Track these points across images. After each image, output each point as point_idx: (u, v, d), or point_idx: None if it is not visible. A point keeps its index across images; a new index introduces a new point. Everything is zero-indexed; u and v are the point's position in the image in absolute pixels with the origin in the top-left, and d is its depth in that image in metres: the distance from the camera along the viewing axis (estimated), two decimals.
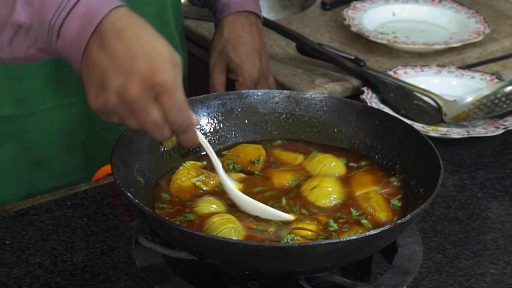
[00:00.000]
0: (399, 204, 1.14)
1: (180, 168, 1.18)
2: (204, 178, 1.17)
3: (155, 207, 1.13)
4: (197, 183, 1.16)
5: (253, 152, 1.22)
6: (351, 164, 1.22)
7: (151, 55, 0.98)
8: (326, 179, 1.16)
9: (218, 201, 1.13)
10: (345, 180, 1.18)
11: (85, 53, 1.01)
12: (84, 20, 1.00)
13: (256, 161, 1.21)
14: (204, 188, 1.16)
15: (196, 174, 1.17)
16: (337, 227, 1.09)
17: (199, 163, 1.20)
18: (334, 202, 1.14)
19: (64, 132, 1.43)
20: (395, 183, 1.18)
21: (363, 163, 1.21)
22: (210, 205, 1.12)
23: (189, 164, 1.19)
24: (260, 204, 1.10)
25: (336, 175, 1.19)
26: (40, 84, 1.37)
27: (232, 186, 1.12)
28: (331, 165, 1.19)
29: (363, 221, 1.11)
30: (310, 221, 1.09)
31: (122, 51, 0.99)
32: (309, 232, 1.07)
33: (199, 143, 1.08)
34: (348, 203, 1.14)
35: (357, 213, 1.12)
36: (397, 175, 1.19)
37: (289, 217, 1.10)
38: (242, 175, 1.19)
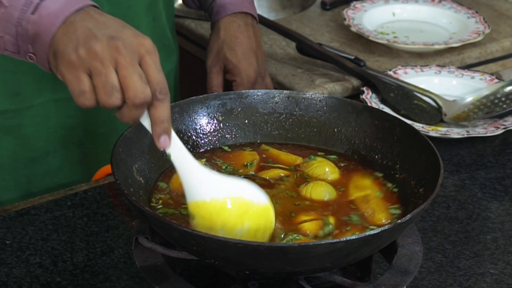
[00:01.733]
0: (398, 212, 1.14)
1: None
2: None
3: (152, 198, 1.13)
4: None
5: (247, 157, 1.22)
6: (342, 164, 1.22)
7: (135, 31, 1.03)
8: (320, 182, 1.17)
9: None
10: (341, 184, 1.18)
11: (64, 24, 1.03)
12: (69, 0, 1.04)
13: (249, 164, 1.21)
14: None
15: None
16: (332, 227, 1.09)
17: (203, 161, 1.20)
18: (327, 196, 1.14)
19: (60, 127, 1.42)
20: (392, 189, 1.18)
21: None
22: None
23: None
24: (240, 179, 1.09)
25: (330, 178, 1.19)
26: (35, 77, 1.37)
27: (198, 165, 1.08)
28: (325, 170, 1.19)
29: (364, 223, 1.11)
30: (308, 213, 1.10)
31: (110, 21, 1.03)
32: (311, 225, 1.08)
33: (170, 128, 1.05)
34: (346, 204, 1.14)
35: (356, 215, 1.12)
36: (397, 175, 1.19)
37: (268, 201, 1.07)
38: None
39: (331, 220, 1.10)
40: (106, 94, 1.00)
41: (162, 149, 1.05)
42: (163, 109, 1.02)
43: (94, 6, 1.06)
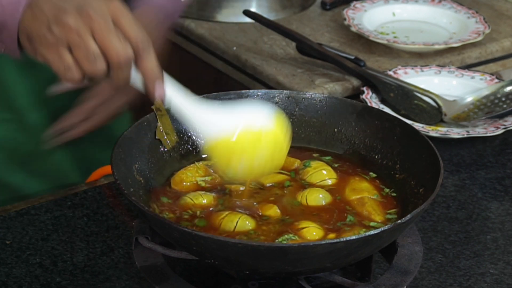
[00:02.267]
0: (395, 217, 1.14)
1: (191, 165, 1.19)
2: (208, 179, 1.17)
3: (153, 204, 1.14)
4: (199, 182, 1.17)
5: None
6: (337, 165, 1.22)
7: None
8: (316, 188, 1.17)
9: (209, 195, 1.14)
10: (339, 188, 1.18)
11: (29, 6, 1.02)
12: None
13: None
14: (204, 185, 1.16)
15: (203, 174, 1.18)
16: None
17: (208, 165, 1.20)
18: (323, 201, 1.14)
19: (4, 149, 1.41)
20: (391, 194, 1.18)
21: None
22: (198, 198, 1.13)
23: (200, 164, 1.19)
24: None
25: (329, 183, 1.19)
26: None
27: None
28: (322, 176, 1.19)
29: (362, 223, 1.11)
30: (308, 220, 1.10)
31: None
32: (314, 233, 1.08)
33: (161, 75, 1.05)
34: (342, 206, 1.14)
35: (352, 217, 1.12)
36: (397, 175, 1.19)
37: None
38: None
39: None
40: (90, 63, 1.00)
41: (158, 98, 1.04)
42: (149, 60, 1.02)
43: None
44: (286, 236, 1.07)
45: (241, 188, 1.15)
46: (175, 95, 1.07)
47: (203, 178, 1.18)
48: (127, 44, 1.00)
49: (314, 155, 1.24)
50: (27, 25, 1.03)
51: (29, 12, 1.03)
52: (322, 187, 1.17)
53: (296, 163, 1.22)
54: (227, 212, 1.10)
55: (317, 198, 1.14)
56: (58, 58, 1.01)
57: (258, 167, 1.09)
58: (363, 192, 1.16)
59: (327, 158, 1.23)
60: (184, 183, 1.17)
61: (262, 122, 1.08)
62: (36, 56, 1.04)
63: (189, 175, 1.18)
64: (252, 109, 1.10)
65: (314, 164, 1.20)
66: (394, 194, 1.17)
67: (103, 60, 1.00)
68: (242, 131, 1.08)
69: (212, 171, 1.20)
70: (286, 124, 1.10)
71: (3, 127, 1.40)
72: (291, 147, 1.25)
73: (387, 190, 1.18)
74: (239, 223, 1.08)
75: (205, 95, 1.25)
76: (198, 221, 1.10)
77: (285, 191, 1.16)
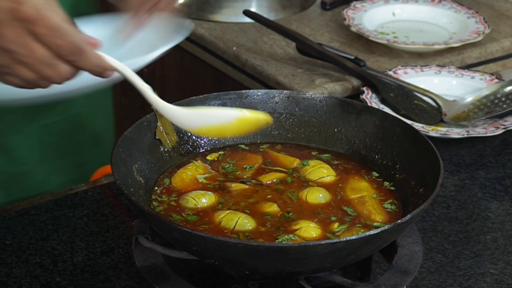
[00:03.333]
0: (393, 207, 1.14)
1: (190, 164, 1.19)
2: (209, 176, 1.18)
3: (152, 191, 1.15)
4: (200, 180, 1.17)
5: (249, 161, 1.22)
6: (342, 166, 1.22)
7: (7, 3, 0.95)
8: (315, 187, 1.17)
9: (210, 195, 1.14)
10: (338, 186, 1.18)
11: None
12: None
13: (248, 167, 1.21)
14: (205, 183, 1.17)
15: (202, 172, 1.18)
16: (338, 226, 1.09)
17: (208, 166, 1.21)
18: (323, 200, 1.14)
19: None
20: (389, 187, 1.18)
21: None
22: (198, 198, 1.13)
23: (199, 162, 1.19)
24: (204, 109, 1.12)
25: (328, 180, 1.19)
26: None
27: (168, 105, 1.09)
28: (320, 174, 1.19)
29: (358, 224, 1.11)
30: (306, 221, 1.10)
31: None
32: (314, 234, 1.08)
33: (112, 66, 1.02)
34: (342, 206, 1.14)
35: (353, 216, 1.12)
36: (397, 175, 1.19)
37: (240, 113, 1.11)
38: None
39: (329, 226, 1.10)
40: (37, 85, 0.99)
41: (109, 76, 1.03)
42: (84, 64, 0.99)
43: None
44: (286, 236, 1.07)
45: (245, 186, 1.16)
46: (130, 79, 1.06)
47: (203, 176, 1.18)
48: (58, 61, 0.97)
49: (313, 153, 1.24)
50: None
51: None
52: (321, 183, 1.18)
53: (296, 162, 1.22)
54: (227, 212, 1.10)
55: (317, 197, 1.14)
56: (9, 82, 0.99)
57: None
58: (362, 192, 1.16)
59: (326, 155, 1.24)
60: (185, 181, 1.17)
61: (226, 118, 1.11)
62: None
63: (189, 174, 1.18)
64: (214, 112, 1.13)
65: (313, 162, 1.21)
66: (392, 188, 1.17)
67: (43, 81, 0.98)
68: (202, 128, 1.11)
69: (210, 168, 1.20)
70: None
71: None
72: (291, 144, 1.26)
73: (386, 183, 1.18)
74: (239, 222, 1.08)
75: (205, 95, 1.25)
76: (190, 217, 1.11)
77: (285, 189, 1.16)
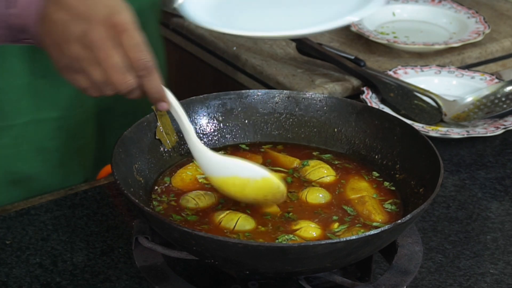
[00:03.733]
0: (393, 207, 1.14)
1: (191, 164, 1.20)
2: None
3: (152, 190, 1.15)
4: (200, 179, 1.17)
5: (251, 160, 1.22)
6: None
7: (108, 2, 1.03)
8: (315, 187, 1.17)
9: (210, 195, 1.14)
10: (337, 186, 1.18)
11: (43, 16, 1.04)
12: None
13: None
14: (205, 183, 1.17)
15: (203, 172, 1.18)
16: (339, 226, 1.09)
17: None
18: (323, 200, 1.14)
19: (41, 150, 1.40)
20: (390, 187, 1.18)
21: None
22: (199, 199, 1.13)
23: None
24: (237, 160, 1.13)
25: (327, 181, 1.19)
26: (14, 95, 1.35)
27: (205, 149, 1.12)
28: (320, 174, 1.19)
29: (357, 223, 1.11)
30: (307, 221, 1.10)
31: (79, 3, 1.03)
32: (314, 234, 1.08)
33: (168, 99, 1.09)
34: (342, 205, 1.14)
35: (352, 216, 1.12)
36: (397, 175, 1.19)
37: (268, 174, 1.11)
38: None
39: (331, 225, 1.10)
40: (100, 90, 1.05)
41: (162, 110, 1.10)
42: (150, 83, 1.06)
43: None
44: (286, 236, 1.07)
45: None
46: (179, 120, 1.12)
47: (203, 176, 1.18)
48: (129, 73, 1.03)
49: (314, 153, 1.24)
50: (42, 39, 1.06)
51: (42, 29, 1.06)
52: (322, 183, 1.18)
53: (296, 162, 1.22)
54: (227, 212, 1.10)
55: (317, 197, 1.14)
56: (73, 80, 1.06)
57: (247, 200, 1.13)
58: (362, 192, 1.16)
59: (327, 156, 1.24)
60: (185, 181, 1.17)
61: (250, 173, 1.12)
62: (38, 41, 1.07)
63: (189, 174, 1.18)
64: (243, 163, 1.13)
65: (312, 163, 1.21)
66: (392, 188, 1.17)
67: (110, 86, 1.04)
68: (227, 177, 1.12)
69: None
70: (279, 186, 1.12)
71: (46, 126, 1.40)
72: (291, 145, 1.26)
73: (386, 183, 1.18)
74: (239, 222, 1.08)
75: (205, 95, 1.25)
76: (190, 217, 1.11)
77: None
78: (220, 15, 1.47)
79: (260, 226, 1.09)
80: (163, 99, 1.09)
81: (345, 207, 1.14)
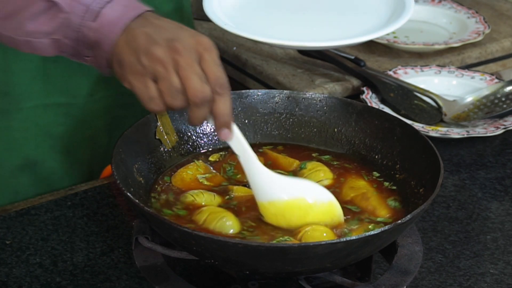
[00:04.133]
0: (396, 204, 1.14)
1: (191, 163, 1.20)
2: (209, 176, 1.17)
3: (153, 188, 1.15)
4: (200, 179, 1.17)
5: None
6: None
7: (192, 31, 1.07)
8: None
9: (211, 194, 1.14)
10: (335, 186, 1.18)
11: (125, 32, 1.07)
12: (127, 7, 1.08)
13: None
14: (205, 183, 1.16)
15: (203, 172, 1.18)
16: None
17: (209, 166, 1.20)
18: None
19: (49, 135, 1.40)
20: (390, 187, 1.18)
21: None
22: (198, 196, 1.13)
23: (200, 162, 1.20)
24: (304, 180, 1.12)
25: (326, 183, 1.19)
26: (25, 78, 1.35)
27: (270, 171, 1.11)
28: (320, 174, 1.19)
29: (365, 219, 1.11)
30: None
31: (167, 24, 1.07)
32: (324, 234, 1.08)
33: (231, 121, 1.07)
34: (344, 205, 1.14)
35: (357, 211, 1.12)
36: (397, 175, 1.19)
37: (333, 198, 1.10)
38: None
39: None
40: (172, 97, 1.04)
41: (224, 140, 1.08)
42: (223, 103, 1.05)
43: (151, 11, 1.10)
44: (281, 238, 1.07)
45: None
46: (240, 146, 1.10)
47: (204, 176, 1.18)
48: (205, 85, 1.04)
49: (313, 154, 1.24)
50: (120, 52, 1.07)
51: (124, 39, 1.07)
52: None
53: (295, 163, 1.22)
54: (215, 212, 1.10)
55: (321, 235, 1.12)
56: (144, 88, 1.05)
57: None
58: (361, 190, 1.16)
59: (326, 157, 1.24)
60: (185, 181, 1.17)
61: (317, 196, 1.10)
62: (123, 82, 1.08)
63: (189, 173, 1.18)
64: (309, 184, 1.12)
65: (310, 165, 1.20)
66: (394, 187, 1.17)
67: (183, 96, 1.04)
68: (295, 199, 1.10)
69: (212, 168, 1.20)
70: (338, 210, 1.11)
71: (54, 111, 1.40)
72: (291, 145, 1.26)
73: (386, 183, 1.18)
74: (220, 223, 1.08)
75: None
76: (180, 211, 1.12)
77: None
78: (238, 17, 1.49)
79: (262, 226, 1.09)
80: (228, 126, 1.07)
81: (348, 206, 1.14)
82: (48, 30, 1.10)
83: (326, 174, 1.19)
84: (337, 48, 1.69)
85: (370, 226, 1.09)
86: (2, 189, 1.40)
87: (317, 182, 1.18)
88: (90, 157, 1.44)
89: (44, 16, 1.10)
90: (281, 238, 1.06)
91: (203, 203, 1.13)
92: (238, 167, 1.20)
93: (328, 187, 1.17)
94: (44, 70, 1.36)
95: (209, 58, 1.05)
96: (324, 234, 1.07)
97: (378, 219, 1.12)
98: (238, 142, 1.09)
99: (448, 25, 1.94)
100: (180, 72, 1.03)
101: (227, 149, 1.24)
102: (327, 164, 1.21)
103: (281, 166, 1.21)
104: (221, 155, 1.23)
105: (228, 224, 1.08)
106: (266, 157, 1.23)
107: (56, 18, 1.09)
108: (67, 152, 1.43)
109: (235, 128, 1.08)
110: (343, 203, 1.14)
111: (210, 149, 1.24)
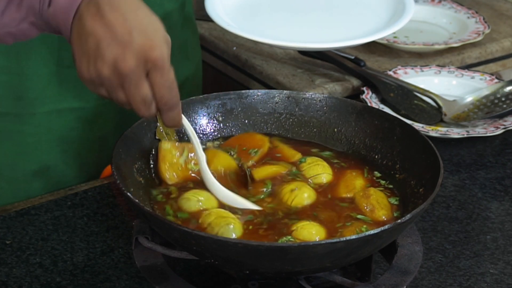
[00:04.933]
0: (396, 202, 1.14)
1: (160, 152, 1.18)
2: (191, 155, 1.17)
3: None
4: (188, 165, 1.17)
5: (256, 143, 1.22)
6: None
7: (148, 30, 1.02)
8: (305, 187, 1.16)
9: (207, 193, 1.14)
10: (333, 184, 1.18)
11: (76, 19, 1.04)
12: None
13: (254, 152, 1.21)
14: (195, 168, 1.16)
15: (180, 153, 1.17)
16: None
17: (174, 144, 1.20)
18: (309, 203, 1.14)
19: (61, 140, 1.40)
20: (387, 185, 1.18)
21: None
22: (197, 198, 1.13)
23: (167, 145, 1.18)
24: (234, 195, 1.13)
25: (325, 180, 1.18)
26: (39, 83, 1.36)
27: (213, 179, 1.13)
28: (319, 169, 1.19)
29: (361, 217, 1.11)
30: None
31: (119, 23, 1.02)
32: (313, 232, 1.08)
33: (182, 125, 1.11)
34: (339, 204, 1.14)
35: (356, 213, 1.12)
36: (397, 175, 1.19)
37: (257, 207, 1.12)
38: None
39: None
40: (119, 104, 1.06)
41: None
42: (170, 116, 1.08)
43: None
44: (284, 238, 1.07)
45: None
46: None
47: (184, 157, 1.17)
48: (151, 104, 1.05)
49: (313, 150, 1.24)
50: (73, 46, 1.06)
51: (76, 30, 1.05)
52: (317, 183, 1.17)
53: (297, 156, 1.22)
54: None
55: (310, 233, 1.11)
56: (97, 92, 1.07)
57: None
58: (361, 188, 1.16)
59: (327, 153, 1.23)
60: (174, 174, 1.17)
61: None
62: (69, 40, 1.08)
63: (173, 163, 1.17)
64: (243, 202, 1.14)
65: (310, 159, 1.20)
66: (390, 186, 1.17)
67: (130, 108, 1.06)
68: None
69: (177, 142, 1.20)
70: None
71: (67, 116, 1.40)
72: (292, 141, 1.26)
73: (383, 182, 1.18)
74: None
75: (205, 95, 1.25)
76: (180, 214, 1.11)
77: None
78: (242, 18, 1.50)
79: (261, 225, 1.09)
80: (178, 126, 1.11)
81: (345, 204, 1.13)
82: (21, 16, 1.09)
83: (325, 169, 1.19)
84: (337, 49, 1.69)
85: (363, 228, 1.09)
86: (15, 193, 1.40)
87: (316, 176, 1.18)
88: (100, 159, 1.44)
89: (11, 5, 1.08)
90: (283, 238, 1.06)
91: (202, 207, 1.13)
92: (241, 153, 1.20)
93: (327, 183, 1.17)
94: (59, 75, 1.36)
95: (158, 78, 1.03)
96: (313, 232, 1.07)
97: (367, 219, 1.11)
98: (192, 137, 1.14)
99: (448, 25, 1.94)
100: (125, 91, 1.04)
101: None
102: (327, 160, 1.21)
103: (284, 156, 1.21)
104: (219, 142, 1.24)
105: (231, 228, 1.08)
106: (273, 143, 1.23)
107: (22, 5, 1.08)
108: (78, 156, 1.43)
109: (186, 124, 1.13)
110: (341, 200, 1.14)
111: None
